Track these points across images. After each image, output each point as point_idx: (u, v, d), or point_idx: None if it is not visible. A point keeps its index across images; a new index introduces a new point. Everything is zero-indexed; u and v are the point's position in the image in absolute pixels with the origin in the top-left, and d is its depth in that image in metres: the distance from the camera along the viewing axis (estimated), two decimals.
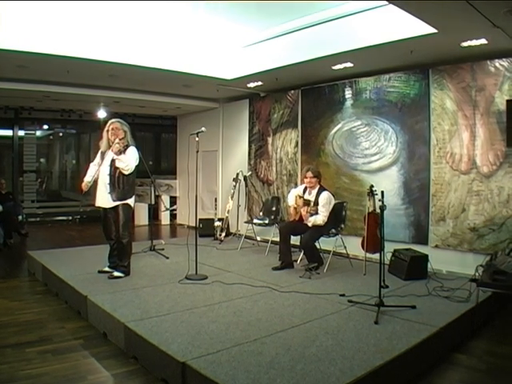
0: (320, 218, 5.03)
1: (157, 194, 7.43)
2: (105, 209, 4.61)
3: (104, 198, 4.56)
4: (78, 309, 4.05)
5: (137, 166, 4.66)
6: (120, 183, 4.54)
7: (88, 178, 4.64)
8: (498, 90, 4.82)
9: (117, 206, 4.56)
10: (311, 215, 5.03)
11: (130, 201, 4.65)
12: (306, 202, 5.11)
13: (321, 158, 6.70)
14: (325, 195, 5.13)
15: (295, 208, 5.26)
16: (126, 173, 4.53)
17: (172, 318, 3.41)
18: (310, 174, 5.22)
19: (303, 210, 5.03)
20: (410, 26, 4.44)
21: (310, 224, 5.05)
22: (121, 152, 4.52)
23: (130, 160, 4.55)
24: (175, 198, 10.21)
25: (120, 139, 4.54)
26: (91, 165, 4.74)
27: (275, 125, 7.50)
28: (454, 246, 5.20)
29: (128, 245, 4.64)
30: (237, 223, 7.63)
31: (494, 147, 4.89)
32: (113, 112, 9.48)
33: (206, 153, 8.69)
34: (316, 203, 5.10)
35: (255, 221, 6.71)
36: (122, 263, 4.64)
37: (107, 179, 4.54)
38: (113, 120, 4.70)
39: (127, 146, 4.59)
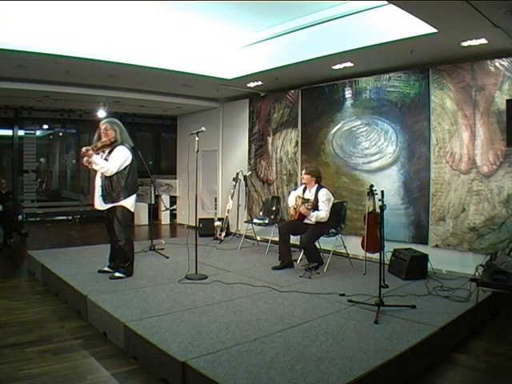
0: (322, 213, 5.04)
1: (157, 193, 7.44)
2: (105, 210, 4.59)
3: (97, 201, 4.54)
4: (77, 308, 4.05)
5: (130, 166, 4.53)
6: (109, 185, 4.46)
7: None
8: (498, 90, 4.82)
9: (113, 208, 4.51)
10: (313, 211, 5.04)
11: (126, 202, 4.53)
12: (305, 201, 5.11)
13: (321, 157, 6.70)
14: (323, 192, 5.15)
15: (295, 208, 5.27)
16: (107, 175, 4.44)
17: (172, 317, 3.41)
18: (304, 171, 5.36)
19: (303, 208, 5.03)
20: (410, 26, 4.45)
21: (313, 219, 5.05)
22: (98, 154, 4.47)
23: (109, 162, 4.43)
24: (175, 197, 10.22)
25: (104, 140, 4.48)
26: None
27: (275, 124, 7.50)
28: (454, 246, 5.20)
29: (126, 246, 4.58)
30: (237, 223, 7.63)
31: (493, 147, 4.89)
32: (113, 112, 9.49)
33: (206, 152, 8.69)
34: (315, 200, 5.11)
35: (255, 220, 6.71)
36: (122, 264, 4.62)
37: (99, 181, 4.52)
38: (103, 121, 4.63)
39: (115, 146, 4.51)
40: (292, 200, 5.38)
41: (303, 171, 5.37)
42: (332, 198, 5.22)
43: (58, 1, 4.96)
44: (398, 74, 5.75)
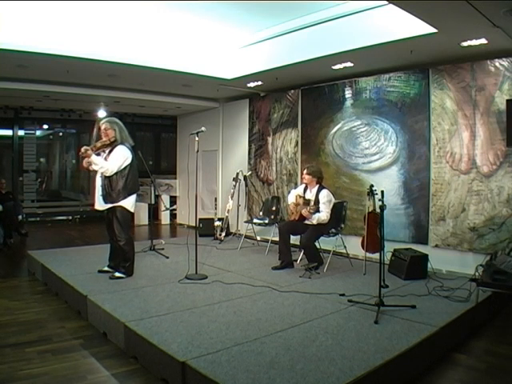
0: (324, 215, 5.04)
1: (157, 193, 7.44)
2: (105, 210, 4.58)
3: (97, 201, 4.53)
4: (77, 308, 4.05)
5: (130, 165, 4.50)
6: (108, 185, 4.44)
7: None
8: (498, 90, 4.82)
9: (113, 209, 4.49)
10: (314, 213, 5.03)
11: (125, 203, 4.50)
12: (306, 202, 5.12)
13: (321, 157, 6.70)
14: (324, 193, 5.14)
15: (295, 206, 5.26)
16: (107, 175, 4.42)
17: (172, 317, 3.41)
18: (305, 170, 5.33)
19: (304, 211, 5.03)
20: (409, 26, 4.45)
21: (314, 222, 5.05)
22: (99, 154, 4.47)
23: (109, 162, 4.41)
24: (175, 197, 10.22)
25: (104, 140, 4.47)
26: None
27: (275, 124, 7.50)
28: (454, 246, 5.20)
29: (126, 246, 4.56)
30: (237, 223, 7.63)
31: (493, 147, 4.89)
32: (113, 112, 9.50)
33: (206, 152, 8.69)
34: (316, 201, 5.11)
35: (255, 220, 6.71)
36: (123, 264, 4.62)
37: (99, 181, 4.51)
38: (102, 121, 4.61)
39: (115, 145, 4.48)
40: (292, 199, 5.38)
41: (305, 171, 5.34)
42: (333, 200, 5.22)
43: (58, 1, 4.96)
44: (398, 73, 5.75)
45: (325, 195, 5.12)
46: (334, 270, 5.16)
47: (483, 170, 4.96)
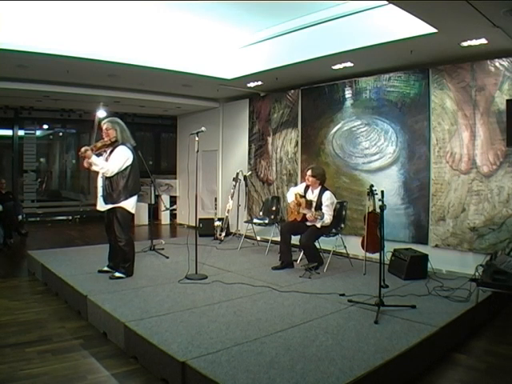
0: (327, 218, 5.03)
1: (157, 193, 7.44)
2: (105, 210, 4.58)
3: (99, 201, 4.54)
4: (77, 308, 4.05)
5: (132, 166, 4.48)
6: (109, 186, 4.43)
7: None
8: (498, 90, 4.82)
9: (113, 209, 4.49)
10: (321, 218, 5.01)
11: (125, 204, 4.48)
12: (309, 203, 5.11)
13: (321, 157, 6.70)
14: (327, 195, 5.13)
15: (295, 205, 5.25)
16: (108, 175, 4.41)
17: (172, 317, 3.41)
18: (309, 172, 5.29)
19: (310, 215, 5.01)
20: (410, 26, 4.45)
21: (318, 225, 5.04)
22: (101, 154, 4.47)
23: (109, 163, 4.40)
24: (175, 197, 10.22)
25: (104, 140, 4.46)
26: None
27: (275, 124, 7.50)
28: (454, 246, 5.20)
29: (126, 247, 4.56)
30: (237, 223, 7.63)
31: (493, 147, 4.89)
32: (113, 112, 9.49)
33: (206, 152, 8.69)
34: (319, 203, 5.10)
35: (255, 220, 6.71)
36: (123, 264, 4.61)
37: (100, 182, 4.51)
38: (104, 121, 4.60)
39: (116, 146, 4.47)
40: (291, 197, 5.37)
41: (309, 172, 5.30)
42: (335, 201, 5.21)
43: (58, 1, 4.96)
44: (398, 73, 5.75)
45: (328, 197, 5.11)
46: (334, 270, 5.16)
47: (483, 170, 4.96)
